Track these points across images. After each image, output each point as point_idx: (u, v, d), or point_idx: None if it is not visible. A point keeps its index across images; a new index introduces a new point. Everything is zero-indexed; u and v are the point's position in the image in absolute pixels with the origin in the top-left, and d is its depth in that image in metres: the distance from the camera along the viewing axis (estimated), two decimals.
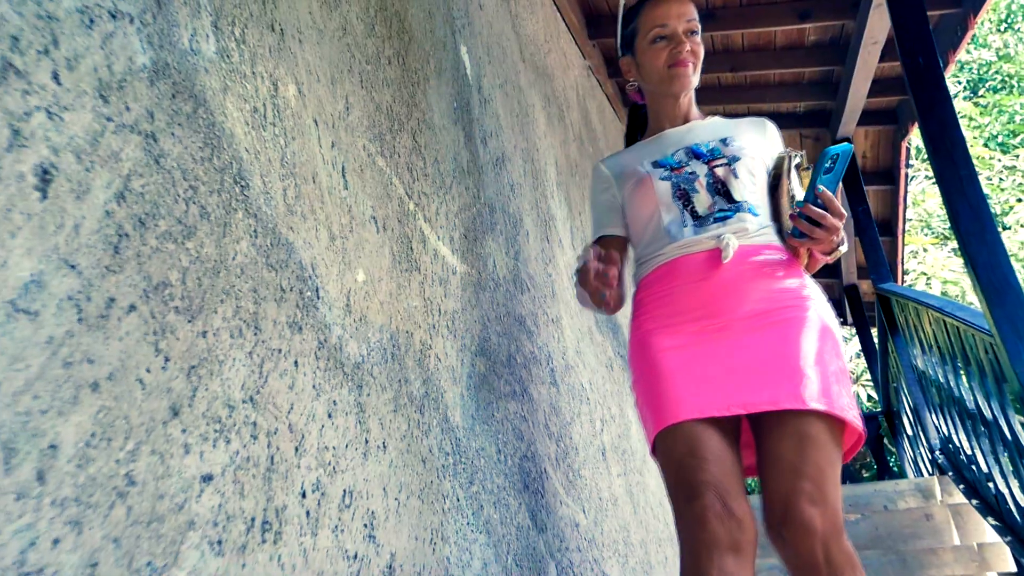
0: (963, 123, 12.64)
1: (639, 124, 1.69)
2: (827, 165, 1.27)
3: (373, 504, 1.02)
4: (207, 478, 0.71)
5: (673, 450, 1.26)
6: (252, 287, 0.84)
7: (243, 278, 0.82)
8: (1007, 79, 13.80)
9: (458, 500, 1.32)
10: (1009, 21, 13.48)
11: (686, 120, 1.54)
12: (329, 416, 0.95)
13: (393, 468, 1.10)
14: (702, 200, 1.39)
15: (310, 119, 1.03)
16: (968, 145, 2.25)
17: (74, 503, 0.55)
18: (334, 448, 0.95)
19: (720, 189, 1.39)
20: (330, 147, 1.08)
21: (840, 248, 1.35)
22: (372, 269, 1.16)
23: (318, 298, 0.98)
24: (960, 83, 13.83)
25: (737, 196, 1.38)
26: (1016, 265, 10.15)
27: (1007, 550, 2.83)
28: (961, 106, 13.20)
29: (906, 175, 5.13)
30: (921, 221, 11.60)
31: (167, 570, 0.64)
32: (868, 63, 3.58)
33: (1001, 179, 11.99)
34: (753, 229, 1.36)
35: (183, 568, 0.65)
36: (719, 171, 1.41)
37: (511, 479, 1.61)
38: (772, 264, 1.35)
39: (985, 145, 12.53)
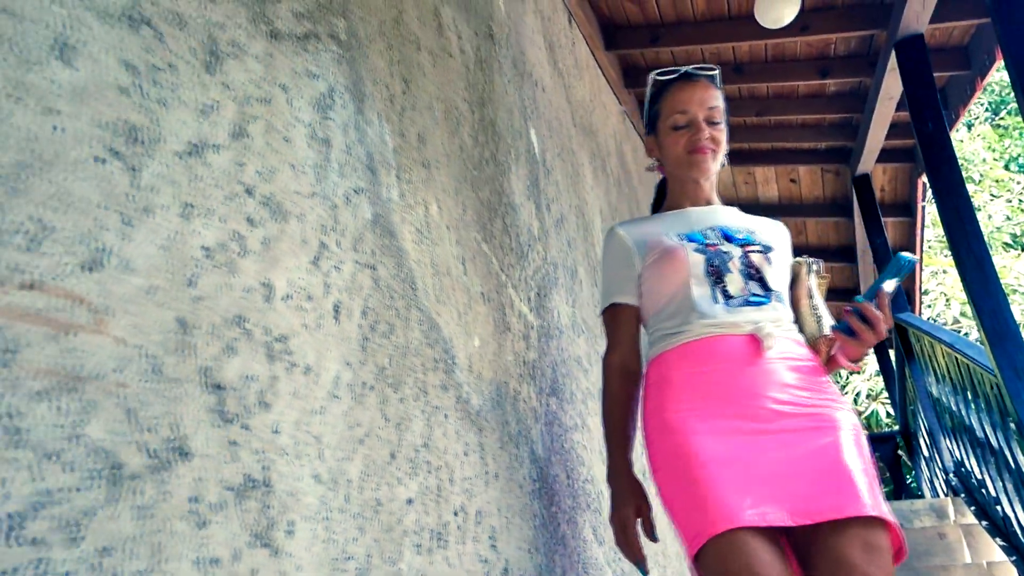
0: (982, 146, 12.81)
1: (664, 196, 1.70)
2: (894, 272, 1.26)
3: (493, 521, 1.34)
4: (410, 501, 1.03)
5: (728, 565, 1.15)
6: (422, 362, 1.16)
7: (418, 356, 1.15)
8: None
9: (543, 519, 1.64)
10: None
11: (708, 203, 1.55)
12: (465, 454, 1.27)
13: (503, 493, 1.42)
14: (735, 281, 1.38)
15: (444, 226, 1.36)
16: (988, 168, 2.48)
17: (360, 517, 0.88)
18: (470, 478, 1.27)
19: (754, 275, 1.39)
20: (455, 244, 1.41)
21: (864, 357, 1.36)
22: (483, 335, 1.49)
23: (454, 364, 1.31)
24: (982, 104, 14.00)
25: (772, 284, 1.39)
26: None
27: (1014, 569, 3.08)
28: (981, 129, 13.39)
29: (923, 208, 5.39)
30: (941, 242, 11.71)
31: (397, 563, 0.96)
32: (884, 115, 3.87)
33: (1020, 200, 12.13)
34: (785, 320, 1.38)
35: (404, 561, 0.98)
36: (754, 257, 1.40)
37: (577, 500, 1.92)
38: (805, 360, 1.36)
39: (1006, 167, 12.67)
